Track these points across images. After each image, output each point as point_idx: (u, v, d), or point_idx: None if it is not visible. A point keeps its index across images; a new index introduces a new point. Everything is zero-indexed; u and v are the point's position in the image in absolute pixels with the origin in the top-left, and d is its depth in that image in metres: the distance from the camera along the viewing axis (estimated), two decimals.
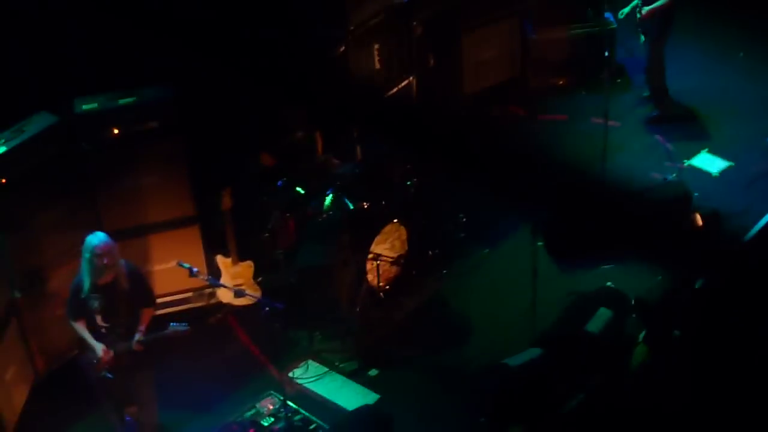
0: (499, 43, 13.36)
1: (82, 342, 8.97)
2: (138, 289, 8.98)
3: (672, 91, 13.03)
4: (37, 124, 9.73)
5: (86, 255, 8.67)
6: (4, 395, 9.37)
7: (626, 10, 12.77)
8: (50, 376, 10.17)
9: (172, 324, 8.92)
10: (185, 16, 10.40)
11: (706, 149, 12.40)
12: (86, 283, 8.75)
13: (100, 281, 8.75)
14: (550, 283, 10.52)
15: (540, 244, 10.63)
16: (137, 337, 8.87)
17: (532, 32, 13.28)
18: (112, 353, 8.82)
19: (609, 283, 10.39)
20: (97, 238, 8.67)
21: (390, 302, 10.81)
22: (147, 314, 9.06)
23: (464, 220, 11.44)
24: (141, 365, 9.03)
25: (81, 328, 8.90)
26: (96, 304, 8.80)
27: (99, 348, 8.81)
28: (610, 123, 11.87)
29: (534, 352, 9.51)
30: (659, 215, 10.98)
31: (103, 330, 8.87)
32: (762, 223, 10.95)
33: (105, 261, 8.65)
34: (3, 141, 9.47)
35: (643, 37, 12.83)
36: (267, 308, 9.73)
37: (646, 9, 12.42)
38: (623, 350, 9.37)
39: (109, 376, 8.88)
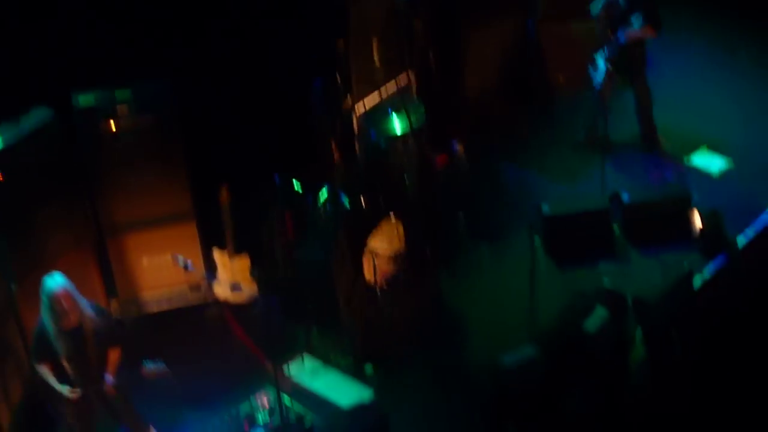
0: (504, 40, 13.26)
1: (46, 388, 8.59)
2: (104, 330, 8.61)
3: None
4: (35, 118, 9.71)
5: (44, 299, 8.32)
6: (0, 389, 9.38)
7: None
8: None
9: (146, 363, 8.64)
10: (182, 8, 10.38)
11: (705, 146, 12.33)
12: (49, 328, 8.38)
13: (63, 326, 8.40)
14: (548, 281, 10.51)
15: (538, 242, 10.63)
16: (108, 380, 8.60)
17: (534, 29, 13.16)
18: (79, 393, 8.49)
19: (606, 282, 10.36)
20: (54, 282, 8.32)
21: (387, 299, 10.79)
22: (115, 354, 8.74)
23: (463, 217, 11.39)
24: (116, 405, 8.77)
25: (46, 373, 8.52)
26: (62, 348, 8.46)
27: (65, 390, 8.48)
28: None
29: (531, 350, 9.50)
30: (659, 215, 10.97)
31: (71, 375, 8.52)
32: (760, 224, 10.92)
33: (64, 305, 8.31)
34: (0, 136, 9.45)
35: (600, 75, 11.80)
36: (262, 303, 9.75)
37: (625, 31, 11.28)
38: (620, 350, 9.35)
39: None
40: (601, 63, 11.61)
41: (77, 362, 8.44)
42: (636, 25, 11.22)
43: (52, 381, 8.46)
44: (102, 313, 8.62)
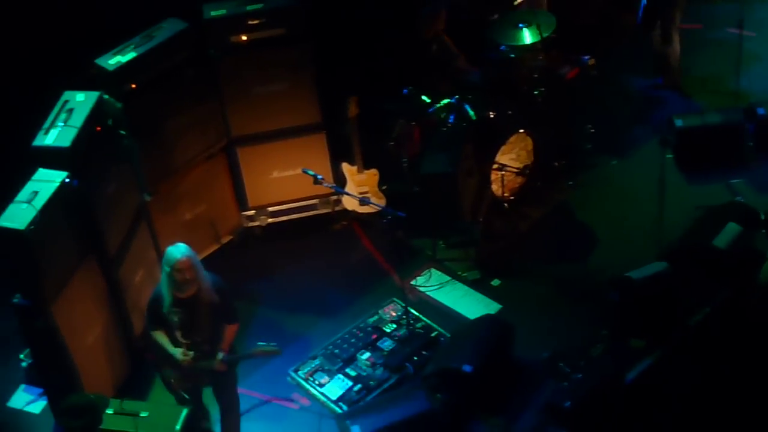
0: None
1: (159, 352, 8.44)
2: (222, 305, 8.33)
3: None
4: (167, 30, 9.79)
5: (166, 269, 8.08)
6: (133, 297, 9.60)
7: None
8: None
9: (259, 343, 8.34)
10: None
11: None
12: (166, 297, 8.20)
13: (181, 295, 8.18)
14: (678, 196, 10.37)
15: (669, 156, 10.47)
16: (220, 356, 8.36)
17: None
18: (191, 357, 8.34)
19: (739, 198, 10.18)
20: (178, 251, 8.04)
21: (514, 212, 10.76)
22: (231, 331, 8.46)
23: (592, 130, 11.26)
24: (224, 383, 8.63)
25: (160, 336, 8.36)
26: (176, 318, 8.26)
27: (178, 353, 8.32)
28: (745, 33, 11.50)
29: (659, 265, 9.40)
30: None
31: (184, 347, 8.37)
32: None
33: (186, 276, 8.06)
34: (133, 47, 9.58)
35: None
36: (390, 217, 9.79)
37: None
38: (751, 266, 9.18)
39: (186, 396, 8.56)
40: None
41: (190, 332, 8.31)
42: None
43: (166, 343, 8.34)
44: (221, 288, 8.35)
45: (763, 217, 9.68)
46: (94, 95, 9.08)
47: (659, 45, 11.82)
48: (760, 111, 10.70)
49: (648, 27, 11.68)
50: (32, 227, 8.01)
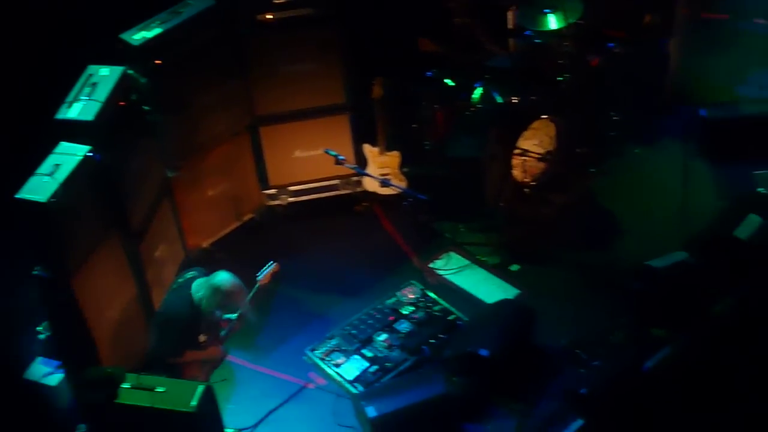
0: None
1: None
2: None
3: None
4: (194, 6, 9.78)
5: (214, 292, 8.65)
6: (154, 272, 9.63)
7: None
8: (199, 254, 10.40)
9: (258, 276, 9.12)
10: None
11: None
12: (208, 314, 8.77)
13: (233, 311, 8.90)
14: (701, 186, 10.34)
15: (694, 145, 10.43)
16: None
17: None
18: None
19: (761, 189, 10.13)
20: (230, 277, 8.71)
21: (536, 198, 10.74)
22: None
23: (616, 118, 11.21)
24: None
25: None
26: (205, 328, 8.90)
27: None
28: None
29: (681, 255, 9.37)
30: None
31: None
32: None
33: (239, 300, 8.74)
34: (159, 22, 9.58)
35: None
36: (411, 199, 9.79)
37: None
38: None
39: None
40: None
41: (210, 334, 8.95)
42: None
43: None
44: None
45: None
46: (118, 70, 9.07)
47: None
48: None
49: None
50: (54, 200, 8.01)
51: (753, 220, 9.47)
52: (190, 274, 8.91)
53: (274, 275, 9.15)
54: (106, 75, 8.98)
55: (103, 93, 8.80)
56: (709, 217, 10.00)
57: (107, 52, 9.32)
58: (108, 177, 8.78)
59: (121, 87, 9.02)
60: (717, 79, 11.68)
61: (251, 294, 8.94)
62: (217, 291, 8.58)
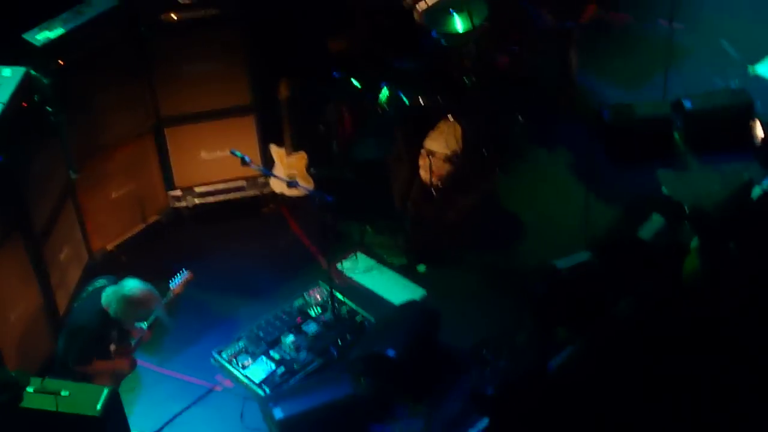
0: None
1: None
2: None
3: None
4: (97, 6, 9.66)
5: (121, 299, 8.53)
6: (58, 275, 9.51)
7: None
8: (104, 257, 10.29)
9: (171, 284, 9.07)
10: None
11: None
12: (121, 321, 8.68)
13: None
14: (605, 186, 10.47)
15: (596, 146, 10.56)
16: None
17: None
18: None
19: (664, 190, 10.30)
20: (138, 283, 8.59)
21: (442, 199, 10.79)
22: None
23: (521, 120, 11.31)
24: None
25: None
26: (115, 338, 8.79)
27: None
28: (676, 26, 11.59)
29: (584, 255, 9.49)
30: (720, 124, 10.85)
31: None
32: None
33: (151, 306, 8.65)
34: (62, 23, 9.46)
35: None
36: (317, 200, 9.79)
37: None
38: (675, 258, 9.29)
39: None
40: None
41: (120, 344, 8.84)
42: None
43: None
44: None
45: (687, 211, 9.81)
46: (20, 71, 8.96)
47: None
48: (687, 104, 10.82)
49: None
50: None
51: (656, 221, 9.63)
52: (99, 283, 8.80)
53: (187, 284, 9.06)
54: (8, 76, 8.87)
55: (5, 94, 8.68)
56: (612, 218, 10.14)
57: (9, 52, 9.19)
58: (10, 178, 8.67)
59: (24, 88, 8.90)
60: (619, 81, 11.89)
61: (163, 303, 8.87)
62: (126, 300, 8.48)
